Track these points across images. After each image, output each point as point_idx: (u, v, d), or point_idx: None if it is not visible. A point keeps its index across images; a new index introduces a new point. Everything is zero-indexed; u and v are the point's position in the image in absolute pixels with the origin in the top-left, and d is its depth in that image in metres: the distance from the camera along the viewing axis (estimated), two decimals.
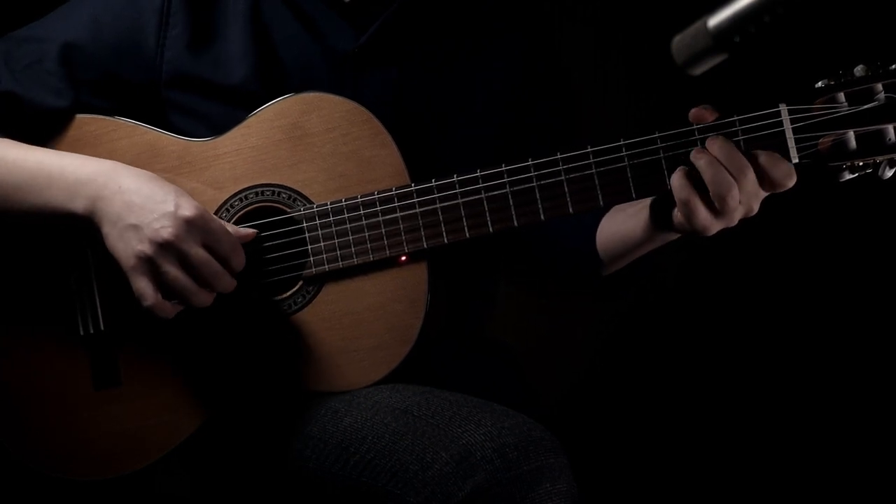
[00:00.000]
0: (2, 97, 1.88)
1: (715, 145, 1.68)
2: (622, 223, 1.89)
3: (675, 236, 1.83)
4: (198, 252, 1.74)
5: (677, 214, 1.72)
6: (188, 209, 1.73)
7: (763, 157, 1.68)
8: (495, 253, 2.01)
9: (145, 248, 1.73)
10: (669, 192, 1.72)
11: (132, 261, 1.74)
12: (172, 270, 1.74)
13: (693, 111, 1.72)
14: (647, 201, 1.81)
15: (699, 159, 1.69)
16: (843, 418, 2.88)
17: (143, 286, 1.74)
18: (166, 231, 1.72)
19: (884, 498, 2.78)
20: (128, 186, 1.76)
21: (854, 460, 2.84)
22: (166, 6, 1.89)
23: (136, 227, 1.73)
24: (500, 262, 2.04)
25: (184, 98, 1.90)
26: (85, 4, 1.92)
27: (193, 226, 1.73)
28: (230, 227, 1.79)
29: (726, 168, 1.67)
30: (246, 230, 1.81)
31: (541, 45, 2.02)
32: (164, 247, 1.73)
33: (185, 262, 1.74)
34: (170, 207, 1.73)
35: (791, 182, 1.69)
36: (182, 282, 1.74)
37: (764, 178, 1.68)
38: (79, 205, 1.78)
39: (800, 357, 2.94)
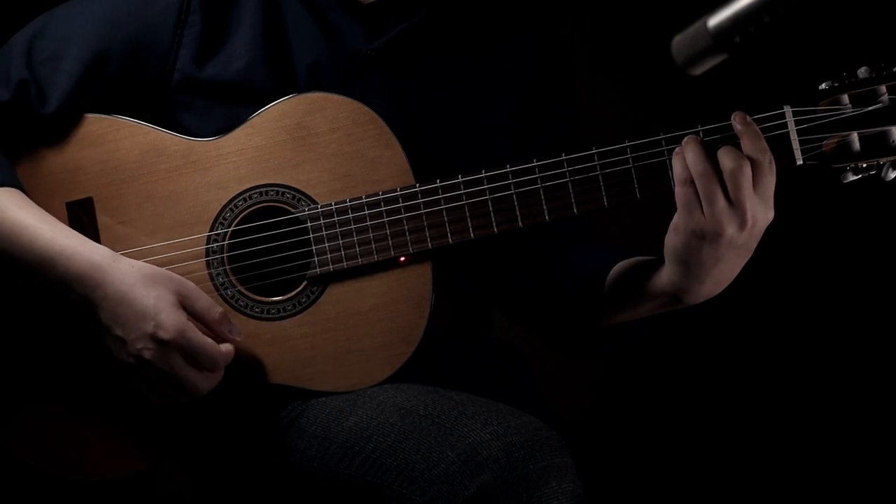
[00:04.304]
0: (17, 88, 1.87)
1: (689, 153, 1.68)
2: (639, 267, 1.86)
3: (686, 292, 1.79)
4: (177, 371, 1.76)
5: (673, 221, 1.71)
6: (166, 330, 1.75)
7: (728, 158, 1.66)
8: (500, 258, 2.01)
9: (131, 361, 1.77)
10: (665, 194, 1.72)
11: (124, 366, 1.79)
12: (157, 382, 1.78)
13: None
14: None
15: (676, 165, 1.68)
16: (844, 419, 2.89)
17: (143, 389, 1.80)
18: (147, 353, 1.76)
19: (884, 498, 2.78)
20: (112, 294, 1.78)
21: (854, 460, 2.84)
22: (185, 4, 1.89)
23: (122, 341, 1.77)
24: (503, 275, 2.03)
25: (193, 99, 1.90)
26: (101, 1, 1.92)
27: (172, 346, 1.75)
28: (217, 315, 1.79)
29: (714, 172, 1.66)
30: (228, 348, 1.79)
31: (552, 50, 2.01)
32: (147, 364, 1.76)
33: (164, 375, 1.77)
34: (148, 329, 1.75)
35: (767, 183, 1.67)
36: (167, 391, 1.78)
37: (735, 179, 1.66)
38: (73, 299, 1.80)
39: (803, 357, 2.95)
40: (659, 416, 2.98)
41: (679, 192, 1.69)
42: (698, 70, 1.24)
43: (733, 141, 1.68)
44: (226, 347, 1.79)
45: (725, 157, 1.66)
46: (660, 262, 1.78)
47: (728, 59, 1.23)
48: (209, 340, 1.77)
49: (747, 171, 1.65)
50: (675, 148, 1.71)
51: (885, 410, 2.85)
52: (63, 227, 1.83)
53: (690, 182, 1.68)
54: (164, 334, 1.75)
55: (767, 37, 1.19)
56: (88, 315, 1.80)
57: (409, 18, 1.91)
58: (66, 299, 1.81)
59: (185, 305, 1.78)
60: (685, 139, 1.69)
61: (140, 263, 1.81)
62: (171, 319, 1.76)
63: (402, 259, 1.82)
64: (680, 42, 1.25)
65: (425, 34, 1.92)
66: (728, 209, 1.66)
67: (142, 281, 1.78)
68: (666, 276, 1.77)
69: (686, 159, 1.68)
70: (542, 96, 2.00)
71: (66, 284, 1.79)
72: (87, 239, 1.83)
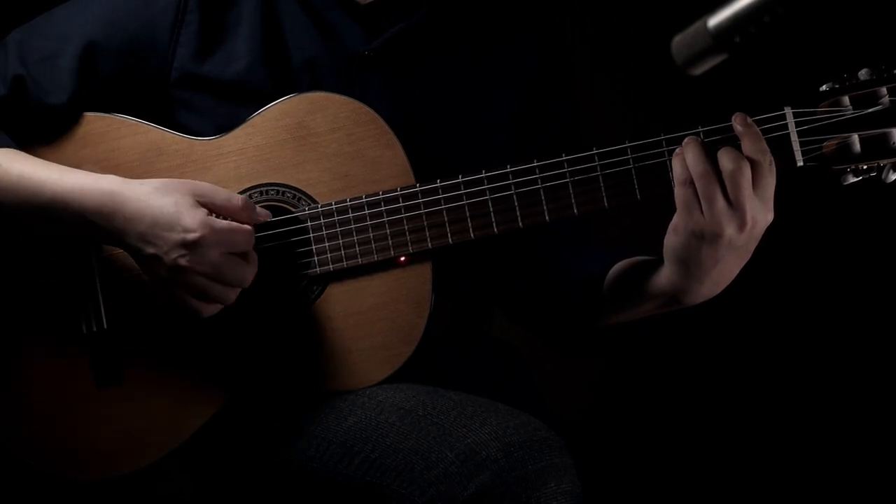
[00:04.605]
0: (13, 84, 1.88)
1: (689, 152, 1.68)
2: (639, 267, 1.86)
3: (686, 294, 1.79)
4: (216, 263, 1.75)
5: (672, 222, 1.72)
6: (193, 231, 1.75)
7: (728, 159, 1.66)
8: (501, 259, 2.01)
9: (171, 274, 1.76)
10: (665, 195, 1.72)
11: (165, 286, 1.78)
12: (200, 283, 1.76)
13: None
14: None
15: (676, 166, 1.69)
16: (844, 419, 2.89)
17: (190, 300, 1.78)
18: (183, 260, 1.75)
19: (884, 498, 2.78)
20: (132, 214, 1.77)
21: (854, 460, 2.84)
22: (183, 3, 1.89)
23: (156, 258, 1.77)
24: (503, 275, 2.03)
25: (192, 96, 1.90)
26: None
27: (203, 244, 1.75)
28: (239, 202, 1.79)
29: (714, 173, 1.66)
30: (263, 211, 1.81)
31: (552, 50, 2.01)
32: (185, 271, 1.75)
33: (208, 275, 1.76)
34: (177, 237, 1.75)
35: (766, 156, 1.67)
36: (211, 291, 1.77)
37: (735, 179, 1.66)
38: (96, 234, 1.81)
39: (803, 357, 2.95)
40: (658, 416, 2.98)
41: (679, 192, 1.69)
42: (698, 70, 1.24)
43: (734, 142, 1.68)
44: (256, 221, 1.80)
45: (725, 158, 1.66)
46: (659, 262, 1.78)
47: (728, 59, 1.23)
48: (235, 223, 1.77)
49: (747, 172, 1.65)
50: (675, 149, 1.71)
51: (886, 411, 2.85)
52: (66, 168, 1.83)
53: (690, 183, 1.68)
54: (191, 236, 1.74)
55: (767, 37, 1.19)
56: (117, 244, 1.80)
57: (407, 18, 1.91)
58: (90, 236, 1.81)
59: (204, 203, 1.78)
60: (685, 140, 1.70)
61: (150, 179, 1.81)
62: (195, 219, 1.75)
63: (402, 259, 1.82)
64: (680, 42, 1.25)
65: (424, 34, 1.92)
66: (727, 210, 1.66)
67: (156, 192, 1.78)
68: (665, 276, 1.77)
69: (686, 160, 1.68)
70: (542, 96, 2.00)
71: (85, 220, 1.79)
72: (91, 173, 1.83)
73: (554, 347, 2.03)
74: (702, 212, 1.67)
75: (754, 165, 1.66)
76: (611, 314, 1.90)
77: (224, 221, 1.77)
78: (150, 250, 1.76)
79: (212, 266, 1.75)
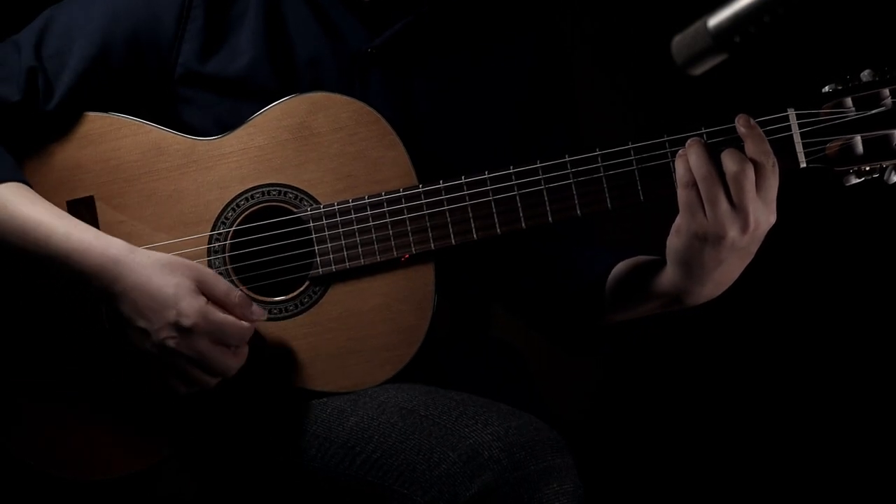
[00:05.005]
0: (26, 85, 1.87)
1: (692, 153, 1.68)
2: (641, 268, 1.86)
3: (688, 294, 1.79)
4: (202, 351, 1.76)
5: (676, 223, 1.72)
6: (188, 317, 1.75)
7: (731, 161, 1.66)
8: (503, 259, 2.01)
9: (156, 351, 1.77)
10: (669, 196, 1.72)
11: (148, 356, 1.79)
12: (184, 368, 1.77)
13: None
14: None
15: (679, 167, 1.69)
16: (844, 420, 2.89)
17: (169, 378, 1.79)
18: (171, 341, 1.76)
19: (884, 498, 2.79)
20: (132, 286, 1.78)
21: (854, 460, 2.85)
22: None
23: (145, 332, 1.77)
24: (506, 276, 2.03)
25: (195, 93, 1.89)
26: None
27: (196, 331, 1.75)
28: (237, 302, 1.78)
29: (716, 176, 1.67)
30: (259, 310, 1.80)
31: (552, 50, 2.01)
32: (171, 352, 1.76)
33: (192, 361, 1.77)
34: (171, 317, 1.75)
35: (770, 183, 1.67)
36: (196, 376, 1.78)
37: (738, 181, 1.66)
38: (92, 293, 1.80)
39: (803, 359, 2.95)
40: (659, 416, 2.98)
41: (682, 194, 1.69)
42: (698, 70, 1.24)
43: (737, 143, 1.69)
44: (257, 312, 1.79)
45: (729, 160, 1.66)
46: (662, 262, 1.78)
47: (730, 60, 1.23)
48: (231, 317, 1.77)
49: (750, 174, 1.65)
50: (678, 150, 1.71)
51: (886, 411, 2.85)
52: (76, 222, 1.82)
53: (693, 184, 1.68)
54: (186, 321, 1.75)
55: (767, 37, 1.19)
56: (109, 308, 1.80)
57: (409, 16, 1.91)
58: (85, 293, 1.81)
59: (204, 291, 1.78)
60: (688, 141, 1.70)
61: (156, 253, 1.81)
62: (192, 306, 1.76)
63: (404, 259, 1.82)
64: (680, 42, 1.25)
65: (425, 33, 1.92)
66: (730, 212, 1.66)
67: (160, 270, 1.78)
68: (667, 277, 1.77)
69: (689, 161, 1.68)
70: (543, 96, 2.00)
71: (84, 279, 1.79)
72: (101, 233, 1.83)
73: (556, 345, 2.04)
74: (705, 214, 1.67)
75: (758, 167, 1.66)
76: (613, 313, 1.90)
77: (220, 314, 1.77)
78: (142, 324, 1.77)
79: (198, 353, 1.76)
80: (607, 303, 1.89)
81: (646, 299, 1.83)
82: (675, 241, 1.73)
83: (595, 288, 1.90)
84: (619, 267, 1.90)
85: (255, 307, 1.80)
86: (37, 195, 1.84)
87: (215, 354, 1.76)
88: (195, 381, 1.78)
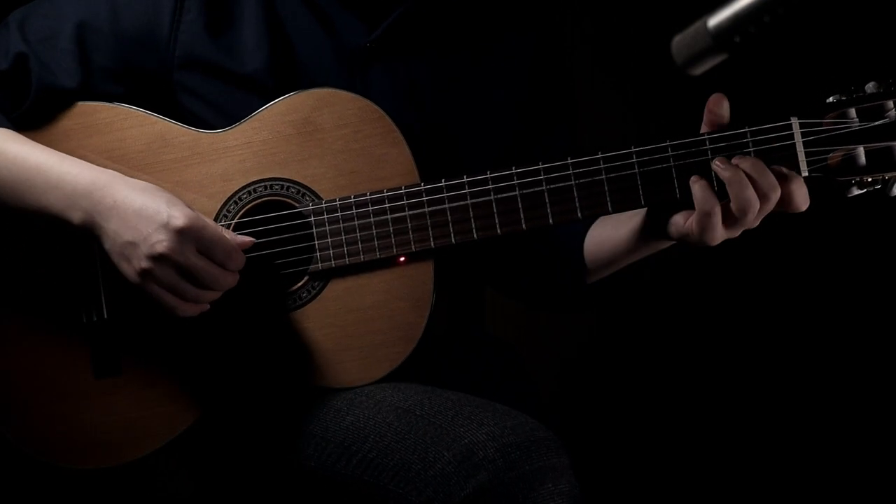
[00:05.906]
0: (15, 59, 1.88)
1: (747, 162, 1.69)
2: (612, 230, 1.89)
3: (666, 244, 1.83)
4: (194, 261, 1.75)
5: (689, 224, 1.72)
6: (180, 219, 1.74)
7: (791, 182, 1.69)
8: (503, 260, 2.01)
9: (145, 264, 1.76)
10: (670, 201, 1.73)
11: (138, 279, 1.77)
12: (173, 280, 1.76)
13: (711, 99, 1.72)
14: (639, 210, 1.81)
15: (725, 171, 1.69)
16: (844, 421, 2.89)
17: (165, 299, 1.77)
18: (161, 245, 1.74)
19: (884, 498, 2.78)
20: (122, 200, 1.77)
21: (854, 460, 2.84)
22: None
23: (133, 244, 1.76)
24: (489, 260, 2.04)
25: (195, 81, 1.89)
26: None
27: (186, 235, 1.74)
28: (227, 234, 1.80)
29: (755, 185, 1.67)
30: (243, 238, 1.81)
31: (551, 51, 2.02)
32: (162, 259, 1.75)
33: (183, 271, 1.76)
34: (162, 219, 1.74)
35: (805, 206, 1.71)
36: (183, 289, 1.76)
37: (785, 201, 1.70)
38: (75, 216, 1.79)
39: (803, 361, 2.95)
40: (656, 416, 2.98)
41: (700, 217, 1.72)
42: (698, 70, 1.25)
43: (739, 150, 1.70)
44: (240, 239, 1.79)
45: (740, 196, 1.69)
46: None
47: (734, 66, 1.23)
48: (219, 232, 1.77)
49: (756, 206, 1.69)
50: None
51: (886, 412, 2.85)
52: (68, 156, 1.83)
53: (707, 214, 1.71)
54: (177, 221, 1.74)
55: (767, 37, 1.19)
56: (98, 236, 1.79)
57: (405, 5, 1.91)
58: (66, 220, 1.79)
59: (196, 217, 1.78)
60: (692, 178, 1.71)
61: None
62: (184, 211, 1.75)
63: (403, 259, 1.82)
64: (680, 42, 1.25)
65: (423, 22, 1.92)
66: (727, 231, 1.73)
67: (152, 189, 1.79)
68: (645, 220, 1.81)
69: (695, 194, 1.71)
70: (543, 97, 2.00)
71: (72, 201, 1.79)
72: (95, 165, 1.83)
73: (539, 308, 2.06)
74: (707, 231, 1.72)
75: (763, 201, 1.69)
76: (597, 272, 1.94)
77: (213, 227, 1.78)
78: (129, 236, 1.76)
79: (186, 260, 1.74)
80: (588, 252, 1.93)
81: (630, 244, 1.87)
82: (673, 234, 1.77)
83: (574, 239, 1.93)
84: (595, 225, 1.94)
85: (242, 236, 1.80)
86: (25, 137, 1.85)
87: (203, 265, 1.75)
88: (186, 293, 1.76)
